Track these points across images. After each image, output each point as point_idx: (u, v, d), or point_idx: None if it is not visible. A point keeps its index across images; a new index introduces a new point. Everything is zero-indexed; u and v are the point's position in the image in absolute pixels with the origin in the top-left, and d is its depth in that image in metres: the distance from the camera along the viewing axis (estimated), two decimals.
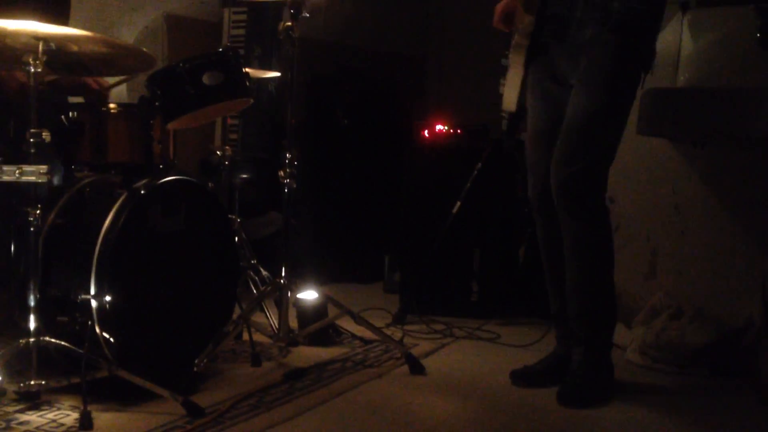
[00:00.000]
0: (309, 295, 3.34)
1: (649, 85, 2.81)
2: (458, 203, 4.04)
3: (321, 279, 3.80)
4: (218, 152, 3.59)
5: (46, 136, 2.42)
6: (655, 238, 3.67)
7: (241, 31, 4.84)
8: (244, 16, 4.82)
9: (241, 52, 4.76)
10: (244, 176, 4.05)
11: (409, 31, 6.70)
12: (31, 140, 2.39)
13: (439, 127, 4.19)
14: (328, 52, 5.50)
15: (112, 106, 2.91)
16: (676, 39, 3.37)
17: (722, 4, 3.33)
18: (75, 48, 2.51)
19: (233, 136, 4.70)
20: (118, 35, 4.57)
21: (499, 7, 2.96)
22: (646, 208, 3.70)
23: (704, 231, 3.52)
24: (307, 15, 3.06)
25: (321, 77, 5.35)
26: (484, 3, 6.06)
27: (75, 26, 3.52)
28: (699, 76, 3.36)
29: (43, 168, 2.37)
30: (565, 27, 2.68)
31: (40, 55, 2.39)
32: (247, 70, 3.07)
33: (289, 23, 3.04)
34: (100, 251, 2.47)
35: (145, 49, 2.52)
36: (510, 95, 2.89)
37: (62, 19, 3.26)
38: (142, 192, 2.61)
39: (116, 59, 2.64)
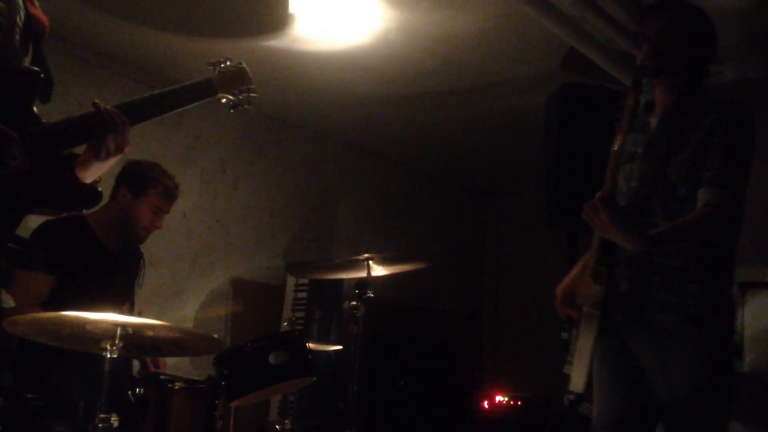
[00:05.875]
0: None
1: None
2: None
3: None
4: (277, 426, 3.57)
5: (114, 420, 2.44)
6: None
7: (304, 295, 4.99)
8: (306, 280, 5.00)
9: (303, 314, 4.90)
10: None
11: (464, 290, 6.84)
12: (100, 425, 2.41)
13: (498, 398, 4.14)
14: (384, 312, 5.58)
15: (177, 384, 2.95)
16: (738, 320, 3.34)
17: None
18: (150, 333, 2.60)
19: (291, 398, 4.69)
20: (186, 298, 4.77)
21: (559, 290, 2.83)
22: None
23: None
24: (372, 295, 3.15)
25: (377, 337, 5.40)
26: (538, 266, 6.26)
27: (146, 293, 3.74)
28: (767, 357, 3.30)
29: None
30: (641, 308, 2.54)
31: (117, 341, 2.48)
32: (310, 345, 3.13)
33: (354, 303, 3.13)
34: None
35: (215, 336, 2.60)
36: (578, 375, 2.73)
37: (129, 301, 3.44)
38: None
39: (187, 343, 2.72)
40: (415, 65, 4.51)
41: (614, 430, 2.64)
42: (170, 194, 3.27)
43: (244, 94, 2.42)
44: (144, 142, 4.41)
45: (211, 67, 2.38)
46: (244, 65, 2.44)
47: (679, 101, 2.63)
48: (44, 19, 2.15)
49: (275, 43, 4.24)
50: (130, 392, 2.90)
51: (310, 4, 3.89)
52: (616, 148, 2.55)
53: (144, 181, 3.20)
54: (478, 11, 3.87)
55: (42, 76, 2.01)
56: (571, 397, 2.79)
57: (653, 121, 2.66)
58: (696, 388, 2.48)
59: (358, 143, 6.01)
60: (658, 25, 2.56)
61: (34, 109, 2.02)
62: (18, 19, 2.00)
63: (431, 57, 4.40)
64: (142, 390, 2.91)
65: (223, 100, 2.40)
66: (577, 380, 2.67)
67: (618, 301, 2.61)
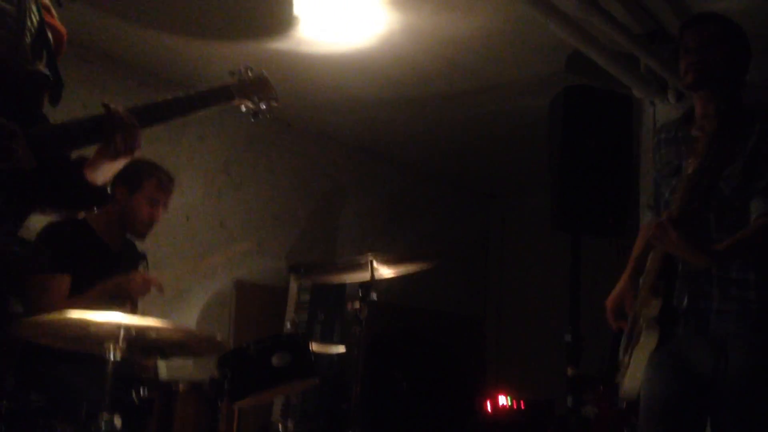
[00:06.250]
0: None
1: None
2: None
3: None
4: (280, 427, 3.57)
5: (117, 422, 2.45)
6: None
7: (307, 297, 5.00)
8: (309, 283, 5.00)
9: (305, 316, 4.91)
10: None
11: (467, 293, 6.83)
12: (103, 426, 2.41)
13: (502, 400, 4.14)
14: (387, 314, 5.57)
15: (181, 386, 2.96)
16: None
17: None
18: (153, 334, 2.61)
19: (293, 399, 4.69)
20: (190, 299, 4.77)
21: (609, 303, 2.84)
22: None
23: None
24: (375, 298, 3.15)
25: (380, 339, 5.39)
26: (541, 269, 6.26)
27: (149, 295, 3.73)
28: None
29: None
30: (704, 320, 2.57)
31: (120, 342, 2.48)
32: (313, 347, 3.13)
33: (357, 304, 3.13)
34: None
35: (218, 337, 2.60)
36: (632, 383, 2.73)
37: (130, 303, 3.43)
38: None
39: (190, 344, 2.73)
40: (418, 68, 4.51)
41: (662, 409, 2.62)
42: (165, 185, 3.28)
43: (265, 102, 2.43)
44: (148, 144, 4.38)
45: (231, 75, 2.39)
46: (265, 74, 2.44)
47: (721, 113, 2.63)
48: (62, 29, 2.16)
49: (279, 45, 4.24)
50: (133, 393, 2.90)
51: (314, 7, 3.89)
52: (691, 171, 2.55)
53: (138, 175, 3.22)
54: (482, 14, 3.87)
55: (51, 79, 2.01)
56: (623, 405, 2.77)
57: (695, 134, 2.67)
58: (756, 391, 2.49)
59: (361, 146, 6.01)
60: (700, 37, 2.60)
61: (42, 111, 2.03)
62: (29, 23, 2.00)
63: (435, 59, 4.41)
64: (145, 391, 2.91)
65: (243, 108, 2.42)
66: (631, 389, 2.67)
67: (679, 315, 2.61)
